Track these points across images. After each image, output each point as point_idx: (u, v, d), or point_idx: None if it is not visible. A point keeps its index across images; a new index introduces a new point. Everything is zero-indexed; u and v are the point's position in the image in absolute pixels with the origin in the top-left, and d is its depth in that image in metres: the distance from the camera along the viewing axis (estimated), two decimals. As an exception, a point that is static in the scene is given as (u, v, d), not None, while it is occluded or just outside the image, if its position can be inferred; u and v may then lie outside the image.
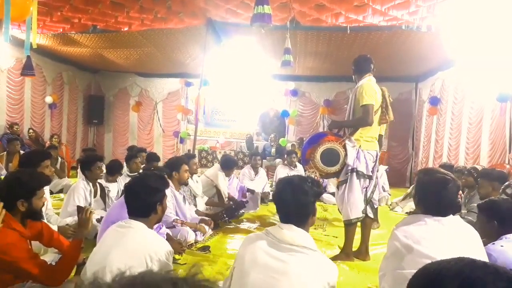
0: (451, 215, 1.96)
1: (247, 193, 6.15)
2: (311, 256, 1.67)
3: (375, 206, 3.91)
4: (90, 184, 4.19)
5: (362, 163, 3.63)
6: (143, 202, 2.11)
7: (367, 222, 3.81)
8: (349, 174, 3.63)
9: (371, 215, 3.79)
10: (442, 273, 0.75)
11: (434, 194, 1.91)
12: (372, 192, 3.75)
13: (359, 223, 3.79)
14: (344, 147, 3.64)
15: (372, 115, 3.58)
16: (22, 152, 7.01)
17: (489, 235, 2.26)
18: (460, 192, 4.38)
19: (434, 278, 0.75)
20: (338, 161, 3.64)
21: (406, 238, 1.84)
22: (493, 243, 2.17)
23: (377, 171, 3.87)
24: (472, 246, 1.82)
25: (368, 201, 3.73)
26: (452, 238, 1.82)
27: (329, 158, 3.65)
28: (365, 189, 3.69)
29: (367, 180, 3.68)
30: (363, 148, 3.65)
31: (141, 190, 2.14)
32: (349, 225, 3.71)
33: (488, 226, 2.28)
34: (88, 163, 4.28)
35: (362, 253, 3.80)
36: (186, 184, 4.41)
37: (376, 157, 3.73)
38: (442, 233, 1.83)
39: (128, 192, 2.19)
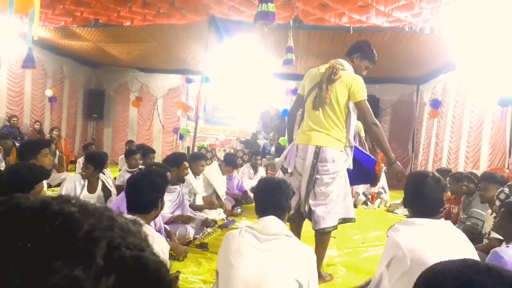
0: (443, 219, 1.96)
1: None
2: (290, 241, 1.86)
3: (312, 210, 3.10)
4: (86, 180, 4.15)
5: (287, 158, 3.25)
6: (146, 198, 2.13)
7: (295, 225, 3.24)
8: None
9: (304, 215, 3.19)
10: (444, 273, 0.74)
11: (415, 191, 1.95)
12: (308, 194, 3.08)
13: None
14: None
15: (293, 105, 3.49)
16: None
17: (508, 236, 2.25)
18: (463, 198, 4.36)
19: (436, 278, 0.76)
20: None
21: (409, 245, 1.80)
22: (507, 246, 2.13)
23: (318, 168, 3.03)
24: (465, 249, 1.82)
25: (302, 202, 3.12)
26: (445, 240, 1.82)
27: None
28: (297, 186, 3.09)
29: (299, 177, 3.11)
30: (296, 142, 3.20)
31: (145, 186, 2.15)
32: None
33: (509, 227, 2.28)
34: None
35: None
36: (183, 181, 4.38)
37: (313, 152, 3.01)
38: (443, 237, 1.82)
39: (131, 188, 2.19)
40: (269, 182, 2.11)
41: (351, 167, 3.18)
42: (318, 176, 3.00)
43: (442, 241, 1.78)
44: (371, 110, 3.05)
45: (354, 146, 3.24)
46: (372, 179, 3.68)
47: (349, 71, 3.13)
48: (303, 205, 3.12)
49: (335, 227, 3.11)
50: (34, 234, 0.37)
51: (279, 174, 3.31)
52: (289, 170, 3.16)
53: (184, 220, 4.09)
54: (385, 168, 7.80)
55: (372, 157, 3.59)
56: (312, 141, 3.04)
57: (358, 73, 3.16)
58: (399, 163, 3.08)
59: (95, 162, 4.16)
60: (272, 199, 1.98)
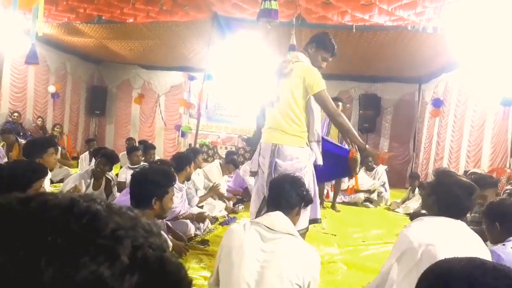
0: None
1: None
2: (295, 242, 1.82)
3: None
4: (92, 177, 4.20)
5: (252, 159, 3.16)
6: (139, 193, 2.17)
7: None
8: None
9: None
10: (451, 273, 0.74)
11: (458, 198, 1.88)
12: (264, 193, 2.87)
13: None
14: None
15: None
16: (22, 140, 7.03)
17: (495, 239, 2.23)
18: None
19: (443, 277, 0.75)
20: None
21: (420, 239, 1.78)
22: (504, 244, 2.13)
23: (269, 165, 2.85)
24: (477, 248, 1.81)
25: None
26: (464, 240, 1.81)
27: None
28: (262, 186, 2.91)
29: (263, 176, 2.94)
30: (260, 141, 3.07)
31: (140, 181, 2.21)
32: None
33: (494, 230, 2.25)
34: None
35: None
36: (189, 179, 4.53)
37: (270, 150, 2.87)
38: (455, 235, 1.81)
39: (131, 181, 2.27)
40: (281, 178, 2.15)
41: (321, 163, 2.95)
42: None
43: (453, 238, 1.78)
44: (331, 101, 2.87)
45: (323, 139, 3.06)
46: (348, 172, 3.47)
47: (305, 63, 2.91)
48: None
49: (306, 229, 2.85)
50: (63, 230, 0.38)
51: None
52: (253, 170, 3.05)
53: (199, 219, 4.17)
54: (386, 167, 7.83)
55: (344, 147, 3.41)
56: (269, 139, 2.91)
57: (315, 65, 2.94)
58: (369, 147, 2.89)
59: (112, 160, 4.31)
60: (281, 194, 2.00)
